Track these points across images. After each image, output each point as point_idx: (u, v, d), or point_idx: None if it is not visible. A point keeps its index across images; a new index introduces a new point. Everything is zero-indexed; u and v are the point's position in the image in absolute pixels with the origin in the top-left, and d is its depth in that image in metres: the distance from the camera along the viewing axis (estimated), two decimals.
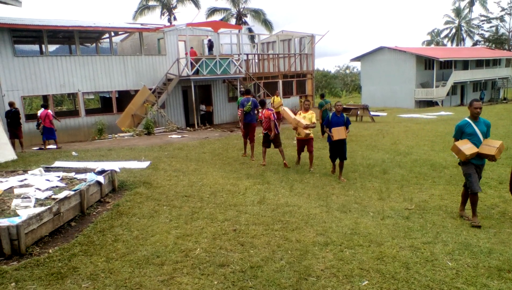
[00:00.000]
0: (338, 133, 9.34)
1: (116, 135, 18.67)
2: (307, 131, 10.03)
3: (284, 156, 10.99)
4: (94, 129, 19.75)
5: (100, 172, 7.50)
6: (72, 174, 7.69)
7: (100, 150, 12.69)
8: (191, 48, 22.44)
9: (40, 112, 14.80)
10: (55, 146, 14.91)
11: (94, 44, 25.59)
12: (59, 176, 7.49)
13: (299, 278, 4.36)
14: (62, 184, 6.99)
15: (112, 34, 23.15)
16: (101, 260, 4.76)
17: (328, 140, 9.84)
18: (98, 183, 6.94)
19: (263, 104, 11.55)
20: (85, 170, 7.91)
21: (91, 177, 7.08)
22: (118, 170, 8.09)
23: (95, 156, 11.45)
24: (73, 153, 12.00)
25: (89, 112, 23.11)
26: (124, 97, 22.24)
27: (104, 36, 24.32)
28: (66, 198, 5.81)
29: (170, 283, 4.27)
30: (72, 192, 6.13)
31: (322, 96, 18.03)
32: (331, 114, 9.66)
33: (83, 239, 5.35)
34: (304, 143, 10.55)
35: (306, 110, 10.43)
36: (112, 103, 21.88)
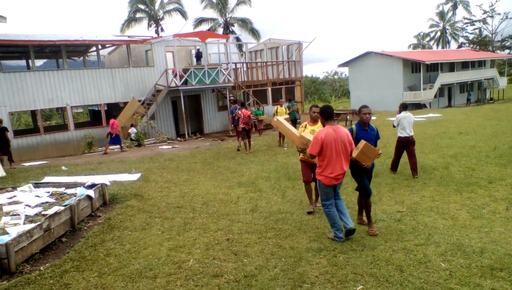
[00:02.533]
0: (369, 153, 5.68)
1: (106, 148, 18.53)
2: None
3: (250, 146, 14.60)
4: (83, 142, 19.62)
5: (91, 186, 7.44)
6: (62, 189, 7.62)
7: (90, 164, 12.60)
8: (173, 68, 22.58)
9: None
10: (119, 149, 17.50)
11: (81, 58, 25.52)
12: (48, 192, 7.42)
13: (294, 286, 4.35)
14: (52, 200, 6.92)
15: (100, 47, 23.10)
16: (93, 276, 4.71)
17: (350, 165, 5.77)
18: (89, 197, 6.89)
19: (242, 104, 16.01)
20: (75, 185, 7.84)
21: (81, 191, 7.03)
22: (108, 183, 8.05)
23: (85, 170, 11.36)
24: (63, 167, 11.89)
25: (78, 125, 22.95)
26: (113, 110, 22.14)
27: (92, 50, 24.26)
28: (56, 213, 5.76)
29: None
30: (62, 208, 6.08)
31: (289, 100, 20.23)
32: (355, 127, 6.07)
33: (75, 254, 5.29)
34: (312, 167, 6.81)
35: (315, 121, 6.73)
36: (101, 116, 21.77)
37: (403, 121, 9.73)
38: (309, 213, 6.91)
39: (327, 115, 5.64)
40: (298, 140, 6.63)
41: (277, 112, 15.81)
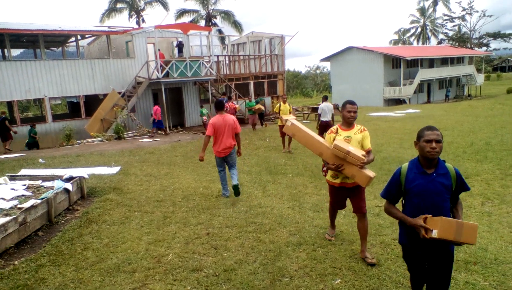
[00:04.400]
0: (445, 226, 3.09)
1: (85, 141, 18.24)
2: (368, 174, 4.55)
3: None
4: (62, 135, 19.25)
5: (68, 179, 7.31)
6: (39, 182, 7.46)
7: (68, 157, 12.38)
8: (159, 50, 22.18)
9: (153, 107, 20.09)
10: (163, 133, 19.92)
11: (60, 48, 24.98)
12: (25, 185, 7.26)
13: (273, 280, 4.37)
14: (28, 193, 6.77)
15: (79, 37, 22.65)
16: (70, 270, 4.64)
17: (401, 239, 3.57)
18: (66, 190, 6.77)
19: (229, 98, 17.80)
20: (52, 178, 7.68)
21: (58, 184, 6.90)
22: (87, 176, 7.91)
23: (63, 163, 11.16)
24: (40, 160, 11.65)
25: (56, 117, 22.51)
26: (93, 102, 21.77)
27: (71, 40, 23.77)
28: (32, 207, 5.64)
29: None
30: (39, 201, 5.95)
31: (257, 95, 21.54)
32: (406, 166, 3.43)
33: (51, 248, 5.20)
34: (349, 194, 5.07)
35: (350, 124, 4.92)
36: (80, 108, 21.39)
37: (325, 108, 12.78)
38: (329, 240, 5.42)
39: (218, 107, 7.55)
40: (329, 153, 4.69)
41: (280, 110, 13.54)
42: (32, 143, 18.08)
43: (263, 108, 19.55)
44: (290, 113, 13.37)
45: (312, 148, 4.99)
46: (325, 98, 13.48)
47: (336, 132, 4.88)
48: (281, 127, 12.36)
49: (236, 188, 7.46)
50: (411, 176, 3.30)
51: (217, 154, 7.50)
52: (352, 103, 4.85)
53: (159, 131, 20.32)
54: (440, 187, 3.20)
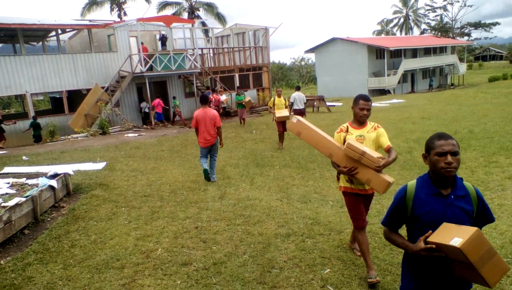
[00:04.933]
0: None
1: (69, 137, 17.99)
2: (387, 179, 3.97)
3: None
4: (45, 131, 18.94)
5: (53, 176, 7.22)
6: (23, 180, 7.36)
7: (52, 153, 12.20)
8: (142, 43, 21.92)
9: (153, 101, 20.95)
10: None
11: (40, 43, 24.47)
12: (8, 183, 7.15)
13: (263, 271, 4.39)
14: (12, 191, 6.67)
15: (59, 31, 22.20)
16: (58, 268, 4.60)
17: (406, 286, 2.76)
18: (51, 187, 6.69)
19: (213, 90, 18.80)
20: (36, 175, 7.59)
21: (43, 181, 6.81)
22: (72, 173, 7.83)
23: (47, 160, 11.00)
24: (24, 157, 11.46)
25: (39, 113, 22.08)
26: (76, 97, 21.44)
27: (51, 34, 23.29)
28: (17, 205, 5.56)
29: (132, 286, 4.18)
30: (24, 199, 5.87)
31: (237, 88, 21.41)
32: (414, 184, 2.62)
33: (38, 247, 5.14)
34: (365, 202, 4.53)
35: (363, 123, 4.39)
36: (63, 103, 21.05)
37: (296, 98, 13.82)
38: (371, 285, 4.06)
39: (202, 101, 8.36)
40: (341, 154, 4.09)
41: (274, 104, 12.70)
42: (38, 136, 18.07)
43: (253, 101, 19.56)
44: (286, 107, 12.61)
45: (320, 149, 4.34)
46: (297, 88, 14.81)
47: (347, 131, 4.32)
48: (278, 123, 12.14)
49: (206, 172, 8.20)
50: (422, 199, 2.52)
51: (201, 144, 8.28)
52: (365, 98, 4.21)
53: (160, 124, 21.02)
54: (460, 214, 2.44)
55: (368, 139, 4.23)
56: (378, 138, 4.25)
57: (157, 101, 20.76)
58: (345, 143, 4.06)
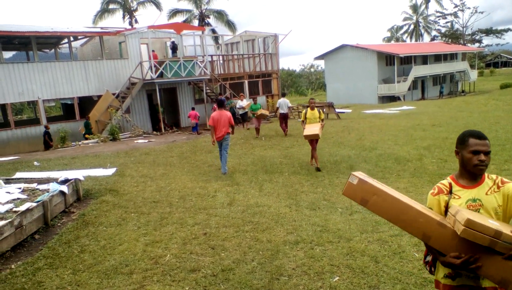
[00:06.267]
0: None
1: (79, 143, 18.18)
2: None
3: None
4: (56, 137, 19.16)
5: (64, 182, 7.28)
6: (34, 185, 7.43)
7: (63, 159, 12.33)
8: (153, 51, 22.12)
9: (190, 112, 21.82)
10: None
11: (53, 50, 24.83)
12: (20, 188, 7.22)
13: (271, 278, 4.37)
14: (23, 196, 6.74)
15: (72, 39, 22.52)
16: (67, 273, 4.62)
17: None
18: (62, 193, 6.74)
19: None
20: (47, 180, 7.65)
21: (54, 187, 6.87)
22: (82, 178, 7.89)
23: (58, 165, 11.11)
24: (35, 163, 11.60)
25: (50, 119, 22.41)
26: (87, 103, 21.67)
27: (63, 41, 23.64)
28: (28, 210, 5.62)
29: None
30: (35, 204, 5.93)
31: (227, 98, 22.45)
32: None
33: (48, 251, 5.18)
34: None
35: (476, 176, 2.60)
36: (74, 109, 21.29)
37: (282, 103, 16.29)
38: None
39: (219, 104, 10.13)
40: (447, 235, 2.44)
41: (306, 118, 10.66)
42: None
43: (267, 113, 18.67)
44: (321, 121, 10.51)
45: (405, 225, 2.56)
46: (283, 94, 17.56)
47: (450, 192, 2.62)
48: (309, 139, 10.27)
49: (223, 173, 10.00)
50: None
51: (216, 139, 9.95)
52: (479, 136, 2.56)
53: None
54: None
55: (489, 205, 2.52)
56: (509, 204, 2.51)
57: (194, 113, 21.52)
58: (462, 219, 2.29)
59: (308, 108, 10.72)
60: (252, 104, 17.90)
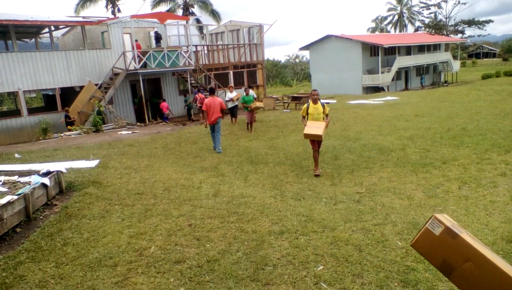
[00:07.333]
0: None
1: (62, 134, 17.89)
2: None
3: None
4: (38, 128, 18.82)
5: (46, 174, 7.16)
6: (15, 178, 7.31)
7: (45, 151, 12.12)
8: (136, 41, 21.80)
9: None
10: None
11: (33, 40, 24.27)
12: (0, 181, 7.09)
13: (256, 268, 4.39)
14: (4, 189, 6.62)
15: (53, 28, 22.03)
16: (50, 266, 4.57)
17: None
18: (44, 185, 6.64)
19: (199, 90, 20.89)
20: (29, 173, 7.53)
21: (35, 179, 6.76)
22: (64, 170, 7.78)
23: (40, 157, 10.93)
24: (16, 155, 11.38)
25: (31, 111, 21.96)
26: (69, 94, 21.31)
27: (44, 31, 23.12)
28: (9, 203, 5.51)
29: (125, 284, 4.17)
30: (16, 197, 5.82)
31: (184, 95, 24.00)
32: None
33: (30, 245, 5.10)
34: None
35: None
36: (56, 100, 20.91)
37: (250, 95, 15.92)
38: None
39: (211, 92, 11.82)
40: None
41: (307, 113, 9.03)
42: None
43: (261, 105, 17.06)
44: (326, 116, 9.03)
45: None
46: (250, 87, 18.15)
47: None
48: (309, 138, 8.96)
49: (218, 152, 11.55)
50: None
51: (209, 122, 11.45)
52: None
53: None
54: None
55: None
56: None
57: (164, 104, 22.97)
58: None
59: (311, 102, 8.99)
60: (243, 95, 15.82)
